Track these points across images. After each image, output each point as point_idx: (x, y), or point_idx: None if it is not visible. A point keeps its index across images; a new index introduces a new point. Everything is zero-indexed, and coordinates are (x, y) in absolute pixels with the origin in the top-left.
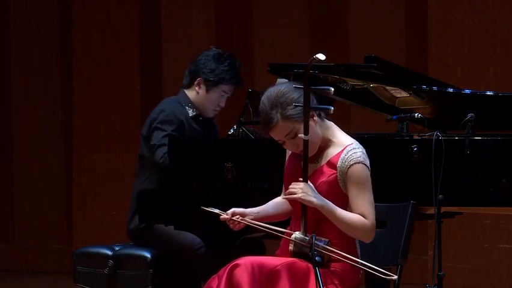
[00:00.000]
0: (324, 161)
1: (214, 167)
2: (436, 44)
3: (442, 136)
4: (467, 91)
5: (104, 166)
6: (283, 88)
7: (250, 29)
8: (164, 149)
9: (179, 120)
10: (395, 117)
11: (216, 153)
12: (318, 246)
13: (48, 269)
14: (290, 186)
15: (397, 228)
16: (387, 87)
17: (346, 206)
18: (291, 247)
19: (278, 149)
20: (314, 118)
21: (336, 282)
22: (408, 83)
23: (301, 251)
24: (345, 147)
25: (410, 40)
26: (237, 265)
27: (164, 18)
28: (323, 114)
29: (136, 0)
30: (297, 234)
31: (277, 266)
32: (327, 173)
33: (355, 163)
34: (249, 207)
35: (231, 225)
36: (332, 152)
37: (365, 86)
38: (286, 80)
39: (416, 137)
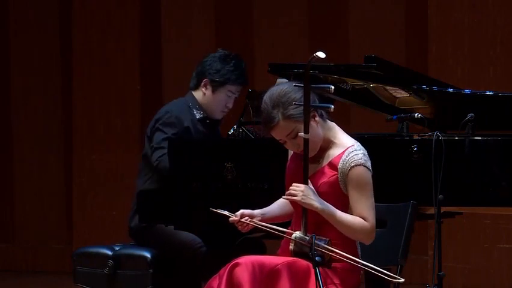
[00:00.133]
0: (325, 162)
1: (214, 167)
2: (436, 44)
3: (442, 136)
4: (467, 91)
5: (104, 166)
6: (285, 88)
7: (250, 29)
8: (161, 152)
9: (184, 126)
10: (395, 117)
11: (216, 153)
12: (318, 245)
13: (48, 269)
14: (291, 188)
15: (397, 228)
16: (387, 87)
17: (346, 207)
18: (291, 246)
19: (278, 149)
20: (316, 118)
21: (337, 282)
22: (408, 83)
23: (302, 251)
24: (346, 148)
25: (410, 40)
26: (237, 264)
27: (164, 18)
28: (325, 114)
29: (136, 0)
30: (297, 234)
31: (278, 265)
32: (328, 174)
33: (356, 165)
34: (249, 208)
35: (240, 226)
36: (333, 153)
37: (365, 86)
38: (287, 80)
39: (416, 137)
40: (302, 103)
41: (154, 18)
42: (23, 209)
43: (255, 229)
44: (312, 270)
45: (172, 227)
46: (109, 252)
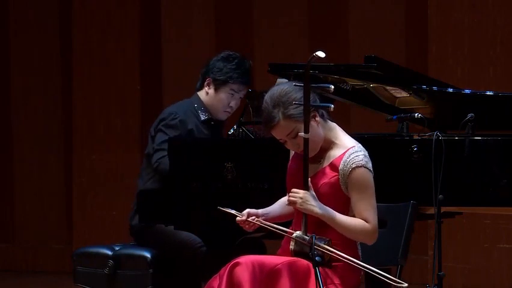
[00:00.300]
0: (326, 163)
1: (214, 167)
2: (436, 44)
3: (442, 136)
4: (467, 91)
5: (104, 166)
6: (286, 88)
7: (250, 29)
8: (161, 154)
9: (188, 129)
10: (395, 117)
11: (216, 153)
12: (318, 246)
13: (48, 269)
14: (290, 194)
15: (397, 228)
16: (387, 87)
17: (347, 207)
18: (291, 246)
19: (278, 149)
20: (316, 118)
21: (337, 282)
22: (408, 83)
23: (302, 250)
24: (347, 149)
25: (410, 40)
26: (237, 264)
27: (164, 18)
28: (325, 115)
29: (136, 0)
30: (297, 233)
31: (278, 264)
32: (329, 175)
33: (357, 167)
34: (249, 207)
35: (247, 226)
36: (334, 153)
37: (365, 86)
38: (287, 80)
39: (416, 137)
40: (302, 103)
41: (154, 18)
42: (23, 209)
43: (256, 229)
44: (312, 270)
45: (172, 226)
46: (109, 252)
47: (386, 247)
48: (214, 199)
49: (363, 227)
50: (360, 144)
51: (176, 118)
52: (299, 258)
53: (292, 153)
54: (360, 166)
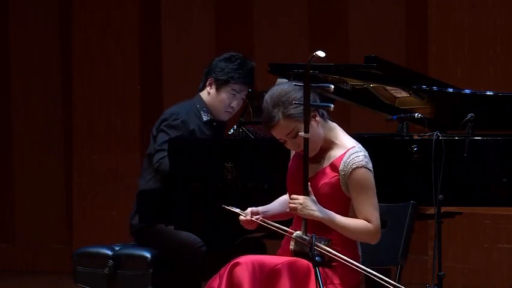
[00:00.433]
0: (326, 163)
1: (214, 167)
2: (436, 44)
3: (442, 136)
4: (467, 91)
5: (104, 166)
6: (286, 87)
7: (250, 29)
8: (162, 154)
9: (190, 129)
10: (395, 117)
11: (216, 153)
12: (317, 246)
13: (48, 269)
14: (290, 201)
15: (397, 228)
16: (387, 87)
17: (347, 208)
18: (292, 246)
19: (278, 149)
20: (316, 118)
21: (337, 282)
22: (408, 83)
23: (302, 250)
24: (347, 150)
25: (410, 40)
26: (237, 264)
27: (164, 18)
28: (326, 115)
29: (136, 0)
30: (297, 233)
31: (278, 264)
32: (330, 175)
33: (357, 167)
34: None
35: (250, 225)
36: (334, 154)
37: (365, 86)
38: (287, 80)
39: (416, 137)
40: (302, 102)
41: (154, 18)
42: (23, 209)
43: (256, 229)
44: (312, 270)
45: (172, 226)
46: (109, 252)
47: (386, 247)
48: (215, 199)
49: (366, 228)
50: (360, 145)
51: (178, 119)
52: (299, 258)
53: (292, 153)
54: (361, 167)
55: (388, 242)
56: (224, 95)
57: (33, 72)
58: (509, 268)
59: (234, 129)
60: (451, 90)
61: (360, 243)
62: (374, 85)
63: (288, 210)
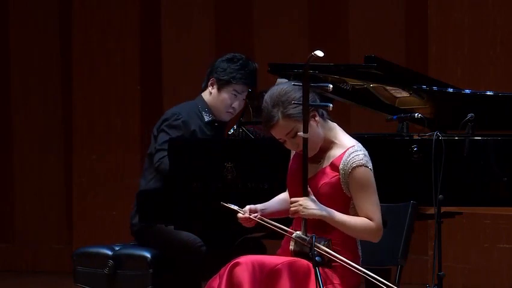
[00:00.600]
0: (326, 163)
1: (214, 167)
2: (436, 44)
3: (442, 136)
4: (467, 91)
5: (104, 166)
6: (285, 87)
7: (250, 29)
8: (162, 154)
9: (191, 130)
10: (395, 117)
11: (216, 153)
12: (317, 247)
13: (48, 269)
14: (290, 206)
15: (397, 228)
16: (387, 87)
17: (347, 207)
18: (291, 246)
19: (278, 149)
20: (316, 118)
21: (336, 282)
22: (408, 83)
23: (302, 251)
24: (347, 149)
25: (410, 40)
26: (237, 264)
27: (164, 18)
28: (325, 114)
29: (136, 0)
30: (297, 234)
31: (278, 264)
32: (330, 175)
33: (357, 166)
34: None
35: (248, 223)
36: (334, 153)
37: (365, 86)
38: (286, 80)
39: (416, 137)
40: (301, 102)
41: (154, 18)
42: (23, 209)
43: (255, 229)
44: (312, 270)
45: (172, 226)
46: (109, 252)
47: (386, 247)
48: (215, 199)
49: (367, 226)
50: (360, 144)
51: (179, 119)
52: (299, 258)
53: (293, 153)
54: (361, 165)
55: (388, 242)
56: (225, 95)
57: (33, 72)
58: (509, 268)
59: (234, 129)
60: (451, 90)
61: (361, 243)
62: (374, 85)
63: (289, 214)
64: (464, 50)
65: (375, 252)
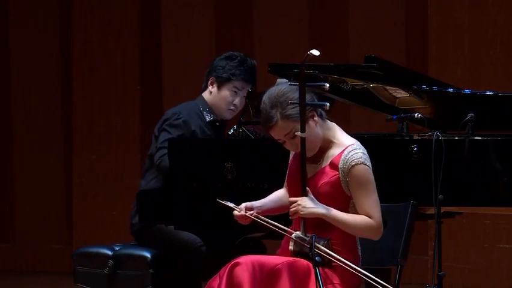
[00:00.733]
0: (326, 162)
1: (214, 167)
2: (436, 44)
3: (442, 136)
4: (467, 91)
5: (104, 166)
6: (283, 88)
7: (250, 29)
8: (163, 152)
9: (191, 130)
10: (395, 117)
11: (216, 153)
12: (317, 248)
13: (48, 269)
14: (290, 207)
15: (397, 228)
16: (387, 87)
17: (347, 206)
18: (291, 246)
19: (278, 149)
20: (315, 118)
21: (336, 282)
22: (408, 83)
23: (302, 251)
24: (346, 147)
25: (410, 40)
26: (237, 264)
27: (164, 18)
28: (324, 114)
29: (136, 0)
30: (297, 234)
31: (278, 264)
32: (330, 174)
33: (356, 164)
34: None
35: (243, 220)
36: (333, 152)
37: (365, 86)
38: (286, 80)
39: (416, 137)
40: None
41: (154, 18)
42: (23, 209)
43: (255, 229)
44: (312, 270)
45: (172, 226)
46: (109, 252)
47: (386, 247)
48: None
49: (367, 223)
50: (358, 142)
51: (179, 118)
52: (299, 258)
53: (292, 153)
54: (360, 163)
55: (388, 242)
56: (226, 92)
57: (33, 72)
58: (509, 268)
59: (234, 129)
60: (451, 90)
61: (361, 242)
62: (374, 85)
63: (289, 216)
64: (464, 50)
65: (375, 252)
